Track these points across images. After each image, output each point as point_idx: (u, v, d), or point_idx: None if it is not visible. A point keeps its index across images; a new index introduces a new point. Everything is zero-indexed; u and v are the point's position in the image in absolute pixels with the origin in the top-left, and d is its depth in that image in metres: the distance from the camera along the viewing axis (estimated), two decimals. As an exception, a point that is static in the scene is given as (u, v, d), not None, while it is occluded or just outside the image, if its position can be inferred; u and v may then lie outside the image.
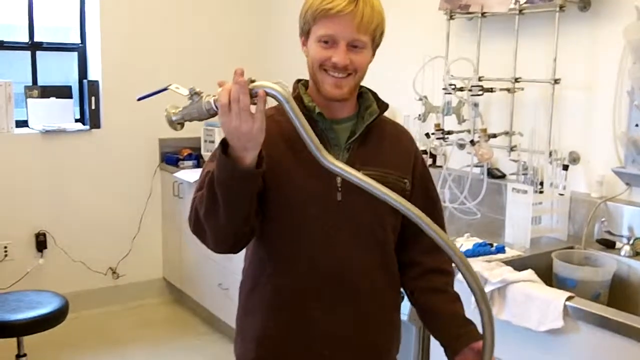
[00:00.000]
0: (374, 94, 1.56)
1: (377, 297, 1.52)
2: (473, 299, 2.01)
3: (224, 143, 1.27)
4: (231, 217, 1.32)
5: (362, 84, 1.52)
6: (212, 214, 1.33)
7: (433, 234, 1.27)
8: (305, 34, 1.47)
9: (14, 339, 2.95)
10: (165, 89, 1.39)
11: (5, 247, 3.86)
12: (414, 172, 1.55)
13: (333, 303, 1.46)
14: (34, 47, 4.05)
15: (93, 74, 4.17)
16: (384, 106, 1.54)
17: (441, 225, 1.61)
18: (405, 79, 2.96)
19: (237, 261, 1.58)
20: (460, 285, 2.07)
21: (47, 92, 4.05)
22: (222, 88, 1.26)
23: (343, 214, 1.44)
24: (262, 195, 1.43)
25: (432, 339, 2.23)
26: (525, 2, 2.61)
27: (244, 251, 1.56)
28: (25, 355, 3.00)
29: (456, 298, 1.58)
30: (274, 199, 1.44)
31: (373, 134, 1.51)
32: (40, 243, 3.95)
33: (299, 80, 1.56)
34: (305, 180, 1.43)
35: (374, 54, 1.49)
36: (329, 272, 1.45)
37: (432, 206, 1.58)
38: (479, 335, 1.43)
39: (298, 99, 1.49)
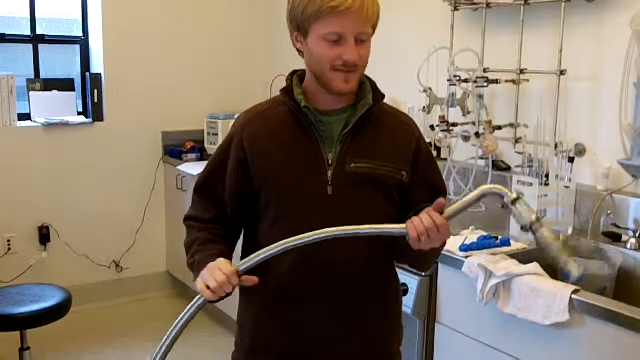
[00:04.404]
0: (372, 84, 1.53)
1: (372, 291, 1.51)
2: (479, 288, 2.00)
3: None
4: None
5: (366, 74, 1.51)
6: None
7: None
8: (302, 31, 1.42)
9: (18, 333, 2.95)
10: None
11: (9, 241, 3.85)
12: (414, 163, 1.51)
13: (326, 297, 1.46)
14: (36, 40, 4.03)
15: (96, 67, 4.15)
16: (379, 97, 1.51)
17: None
18: (410, 71, 2.93)
19: (238, 253, 1.58)
20: (461, 276, 2.07)
21: (50, 85, 4.04)
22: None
23: (334, 207, 1.43)
24: (253, 194, 1.45)
25: (437, 333, 2.23)
26: (530, -7, 2.59)
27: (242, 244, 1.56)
28: (28, 348, 3.00)
29: None
30: (265, 196, 1.44)
31: (369, 125, 1.48)
32: (44, 236, 3.95)
33: (295, 72, 1.53)
34: (294, 176, 1.43)
35: None
36: (322, 267, 1.45)
37: (434, 196, 1.56)
38: None
39: (288, 91, 1.48)
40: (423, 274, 2.22)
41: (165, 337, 1.38)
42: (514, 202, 1.32)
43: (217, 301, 1.37)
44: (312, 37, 1.41)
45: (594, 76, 2.51)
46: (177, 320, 1.38)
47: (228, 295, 1.36)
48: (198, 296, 1.36)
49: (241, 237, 1.54)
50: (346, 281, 1.46)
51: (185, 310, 1.37)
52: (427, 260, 1.58)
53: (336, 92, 1.43)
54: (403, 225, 1.34)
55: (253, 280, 1.36)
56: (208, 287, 1.33)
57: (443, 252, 2.11)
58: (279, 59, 4.27)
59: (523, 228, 1.34)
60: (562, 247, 1.34)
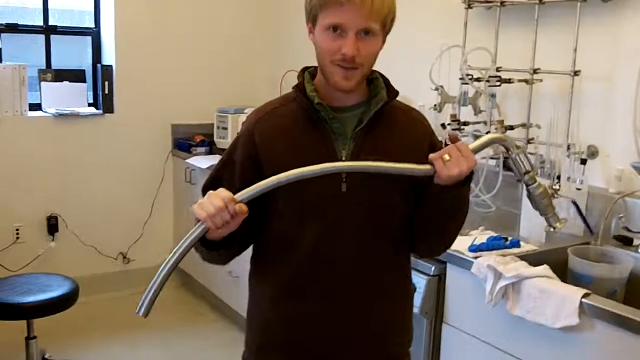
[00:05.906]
0: (386, 80, 1.51)
1: (384, 289, 1.50)
2: (488, 289, 1.99)
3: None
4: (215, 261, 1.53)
5: (378, 70, 1.49)
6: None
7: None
8: (311, 20, 1.42)
9: (24, 322, 2.96)
10: None
11: (17, 230, 3.87)
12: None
13: (336, 295, 1.45)
14: (48, 30, 4.04)
15: (107, 59, 4.15)
16: (393, 93, 1.49)
17: None
18: (422, 69, 2.92)
19: (248, 250, 1.57)
20: (469, 276, 2.05)
21: (61, 75, 4.05)
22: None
23: (348, 205, 1.42)
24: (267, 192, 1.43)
25: (444, 333, 2.22)
26: (546, -8, 2.56)
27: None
28: (35, 337, 3.01)
29: None
30: (279, 194, 1.42)
31: (382, 122, 1.46)
32: (52, 226, 3.97)
33: (306, 68, 1.52)
34: None
35: (384, 41, 1.44)
36: (333, 264, 1.44)
37: None
38: None
39: (301, 88, 1.46)
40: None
41: (165, 263, 1.35)
42: (516, 151, 1.42)
43: (217, 245, 1.39)
44: (317, 27, 1.40)
45: (608, 77, 2.49)
46: (175, 248, 1.37)
47: (230, 240, 1.37)
48: (199, 223, 1.34)
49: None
50: (356, 279, 1.45)
51: (186, 237, 1.36)
52: (455, 210, 1.49)
53: (335, 88, 1.41)
54: (427, 166, 1.36)
55: (243, 210, 1.31)
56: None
57: (453, 252, 2.11)
58: (290, 54, 4.26)
59: (519, 179, 1.43)
60: (549, 203, 1.45)
